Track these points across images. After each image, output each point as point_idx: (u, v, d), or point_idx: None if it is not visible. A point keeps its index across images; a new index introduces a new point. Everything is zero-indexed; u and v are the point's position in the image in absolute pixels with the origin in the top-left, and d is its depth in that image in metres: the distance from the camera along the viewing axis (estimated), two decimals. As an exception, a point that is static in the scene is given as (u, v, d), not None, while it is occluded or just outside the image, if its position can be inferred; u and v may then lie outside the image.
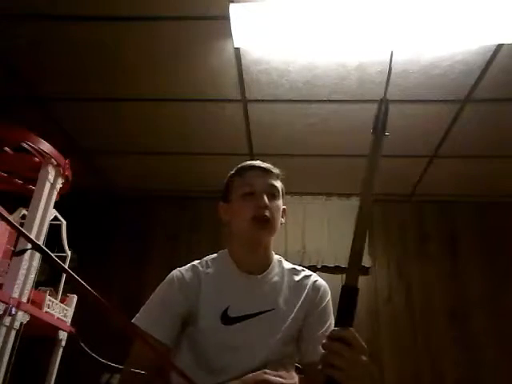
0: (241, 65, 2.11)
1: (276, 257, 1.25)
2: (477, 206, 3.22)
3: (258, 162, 1.23)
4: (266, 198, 1.15)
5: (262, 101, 2.35)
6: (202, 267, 1.21)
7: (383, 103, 0.85)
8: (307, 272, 1.25)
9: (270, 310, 1.12)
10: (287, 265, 1.25)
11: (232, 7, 1.78)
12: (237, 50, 2.02)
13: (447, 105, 2.33)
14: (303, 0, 1.75)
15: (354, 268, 0.76)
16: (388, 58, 2.03)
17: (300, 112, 2.43)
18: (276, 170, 1.23)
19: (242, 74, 2.17)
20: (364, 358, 0.76)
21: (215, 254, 1.26)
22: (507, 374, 2.78)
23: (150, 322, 1.10)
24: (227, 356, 1.07)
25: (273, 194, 1.18)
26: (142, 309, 1.15)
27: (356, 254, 0.75)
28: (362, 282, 3.08)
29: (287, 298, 1.16)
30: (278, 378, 0.96)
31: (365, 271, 3.09)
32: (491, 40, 1.90)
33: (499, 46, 1.93)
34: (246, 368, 1.03)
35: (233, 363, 1.07)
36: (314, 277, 1.23)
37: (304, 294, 1.18)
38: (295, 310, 1.15)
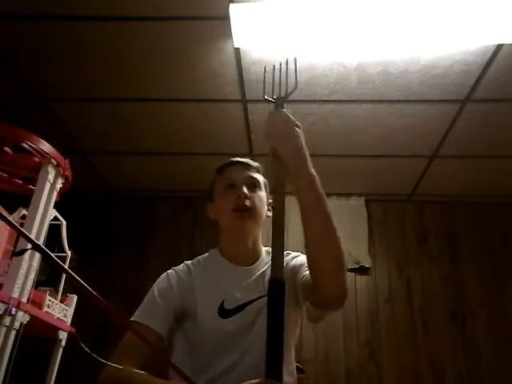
0: (241, 65, 2.11)
1: (265, 248, 1.27)
2: (477, 205, 3.22)
3: (237, 158, 1.26)
4: (245, 188, 1.18)
5: (262, 101, 2.35)
6: (195, 266, 1.24)
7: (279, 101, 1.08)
8: (287, 253, 1.26)
9: (262, 297, 1.12)
10: None
11: (232, 7, 1.78)
12: (237, 49, 2.02)
13: (447, 105, 2.33)
14: (303, 0, 1.75)
15: (278, 262, 0.81)
16: (388, 58, 2.04)
17: (300, 112, 2.43)
18: (255, 164, 1.26)
19: (241, 74, 2.17)
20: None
21: (206, 254, 1.29)
22: (507, 374, 2.78)
23: (144, 314, 1.12)
24: (227, 349, 1.09)
25: (253, 184, 1.21)
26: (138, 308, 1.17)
27: (278, 247, 0.82)
28: (362, 282, 3.08)
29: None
30: None
31: (365, 271, 3.09)
32: (491, 40, 1.90)
33: (499, 46, 1.94)
34: (247, 358, 1.06)
35: (233, 355, 1.08)
36: (294, 254, 1.26)
37: (288, 271, 1.19)
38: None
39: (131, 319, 1.12)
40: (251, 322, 1.11)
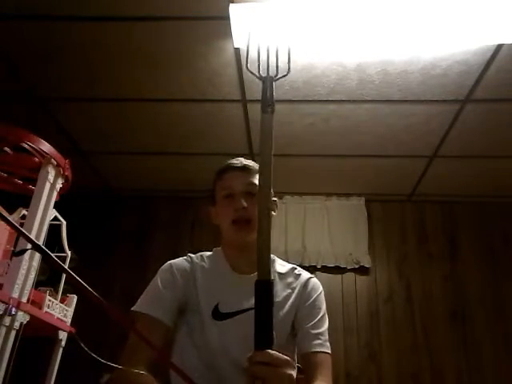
0: (241, 65, 2.11)
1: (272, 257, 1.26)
2: (477, 205, 3.22)
3: (236, 162, 1.23)
4: (243, 200, 1.16)
5: (262, 101, 2.35)
6: (197, 259, 1.23)
7: (267, 80, 0.89)
8: (298, 271, 1.26)
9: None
10: (279, 264, 1.26)
11: (232, 7, 1.78)
12: (237, 49, 2.02)
13: (447, 105, 2.33)
14: (303, 0, 1.75)
15: (265, 262, 0.77)
16: (388, 58, 2.04)
17: (300, 112, 2.43)
18: (255, 167, 1.21)
19: (241, 74, 2.17)
20: (283, 370, 0.77)
21: (210, 252, 1.28)
22: (507, 374, 2.78)
23: (150, 304, 1.11)
24: (219, 352, 1.08)
25: (252, 192, 1.17)
26: (140, 297, 1.15)
27: (263, 248, 0.78)
28: (362, 282, 3.08)
29: (278, 296, 1.16)
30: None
31: (365, 271, 3.09)
32: (491, 40, 1.90)
33: (499, 46, 1.94)
34: (237, 364, 1.03)
35: (225, 360, 1.07)
36: (305, 275, 1.24)
37: (295, 292, 1.18)
38: (286, 307, 1.15)
39: (133, 309, 1.11)
40: (243, 329, 1.02)
